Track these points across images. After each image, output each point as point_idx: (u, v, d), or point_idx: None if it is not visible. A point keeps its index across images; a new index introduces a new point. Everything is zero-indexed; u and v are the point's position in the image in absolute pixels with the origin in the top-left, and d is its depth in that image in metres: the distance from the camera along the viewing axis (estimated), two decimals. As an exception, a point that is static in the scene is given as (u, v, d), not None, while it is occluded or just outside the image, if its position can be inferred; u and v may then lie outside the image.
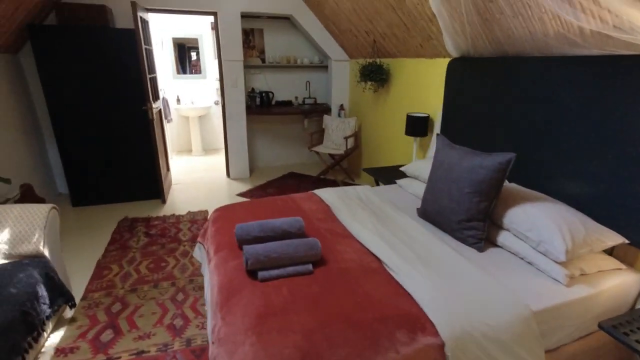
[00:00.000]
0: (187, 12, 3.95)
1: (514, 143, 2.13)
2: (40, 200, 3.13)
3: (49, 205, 2.15)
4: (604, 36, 1.58)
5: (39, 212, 2.05)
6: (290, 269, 1.54)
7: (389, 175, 3.14)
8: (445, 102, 2.70)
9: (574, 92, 1.79)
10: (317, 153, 4.41)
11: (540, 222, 1.62)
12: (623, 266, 1.63)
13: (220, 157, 5.54)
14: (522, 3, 1.81)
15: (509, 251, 1.76)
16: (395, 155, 3.62)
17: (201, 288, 2.37)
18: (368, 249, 1.74)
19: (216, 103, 5.74)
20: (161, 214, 3.53)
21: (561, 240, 1.51)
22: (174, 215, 3.49)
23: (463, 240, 1.85)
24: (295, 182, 4.41)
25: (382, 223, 2.01)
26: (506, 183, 2.07)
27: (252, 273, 1.55)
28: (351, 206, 2.23)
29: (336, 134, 4.34)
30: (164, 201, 3.80)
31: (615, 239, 1.57)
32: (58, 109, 3.35)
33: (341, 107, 4.68)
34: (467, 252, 1.76)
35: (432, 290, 1.40)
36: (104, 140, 3.56)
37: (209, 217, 2.33)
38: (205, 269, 1.96)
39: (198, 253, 2.28)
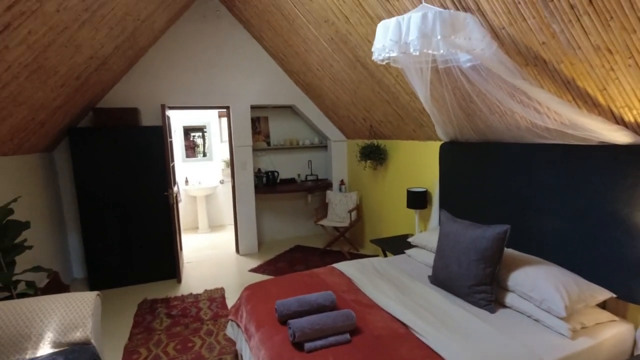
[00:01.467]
0: (204, 108, 4.49)
1: (503, 214, 2.48)
2: (65, 287, 3.25)
3: (94, 293, 2.32)
4: (562, 132, 2.02)
5: (86, 300, 2.22)
6: (332, 339, 1.74)
7: (395, 245, 3.42)
8: (441, 179, 3.11)
9: (547, 171, 2.20)
10: (323, 226, 4.70)
11: (539, 282, 1.90)
12: (616, 318, 1.89)
13: (226, 234, 5.76)
14: (497, 105, 2.29)
15: (517, 311, 2.00)
16: (397, 225, 3.94)
17: (232, 366, 2.46)
18: (395, 317, 1.96)
19: (221, 182, 6.11)
20: (179, 293, 3.64)
21: (559, 297, 1.78)
22: (191, 294, 3.61)
23: (475, 303, 2.09)
24: (302, 255, 4.62)
25: (401, 292, 2.25)
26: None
27: (297, 345, 1.74)
28: (370, 277, 2.47)
29: (339, 208, 4.68)
30: (179, 281, 3.93)
31: (605, 294, 1.85)
32: (86, 200, 3.63)
33: (342, 182, 5.09)
34: (481, 314, 1.99)
35: (460, 350, 1.62)
36: (123, 225, 3.79)
37: (240, 295, 2.51)
38: (244, 345, 2.11)
39: (231, 331, 2.43)
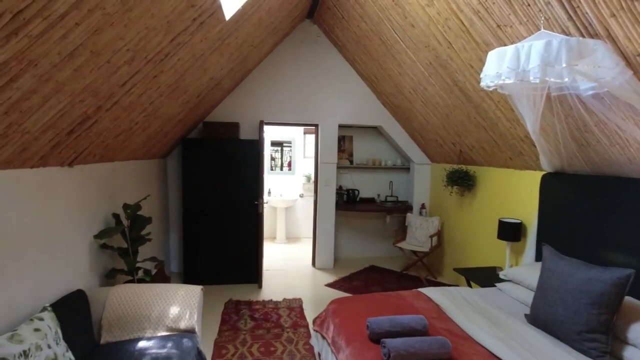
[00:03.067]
0: (296, 125, 4.79)
1: (616, 257, 2.22)
2: (167, 278, 3.65)
3: (199, 287, 2.59)
4: None
5: (195, 293, 2.48)
6: (425, 365, 1.72)
7: (481, 276, 3.24)
8: (540, 211, 2.90)
9: (684, 214, 1.94)
10: (401, 249, 4.63)
11: (672, 340, 1.67)
12: None
13: (302, 246, 5.96)
14: (619, 136, 2.11)
15: (640, 368, 1.77)
16: (483, 256, 3.73)
17: (313, 376, 2.53)
18: (491, 352, 1.86)
19: (301, 196, 6.38)
20: (260, 298, 3.85)
21: (701, 362, 1.55)
22: (271, 300, 3.79)
23: (585, 352, 1.89)
24: (378, 276, 4.58)
25: (497, 327, 2.13)
26: (622, 296, 2.12)
27: (390, 365, 1.74)
28: (460, 307, 2.38)
29: (419, 232, 4.58)
30: (260, 286, 4.16)
31: None
32: (190, 202, 4.07)
33: (422, 206, 4.99)
34: (594, 365, 1.80)
35: (573, 400, 1.48)
36: (217, 228, 4.15)
37: (326, 307, 2.59)
38: (330, 357, 2.16)
39: (315, 341, 2.51)
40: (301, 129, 6.32)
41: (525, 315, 2.32)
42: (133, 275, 2.80)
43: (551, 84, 1.97)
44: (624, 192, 2.26)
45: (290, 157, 6.45)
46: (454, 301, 2.47)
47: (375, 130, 5.31)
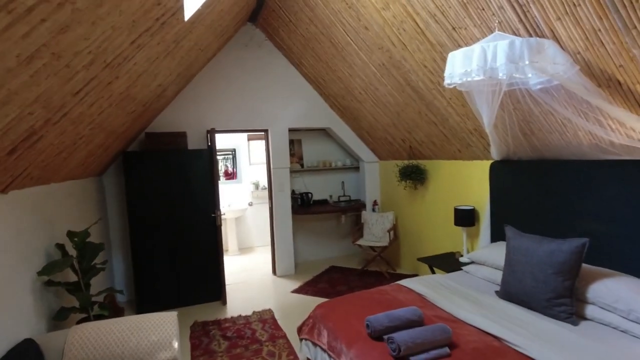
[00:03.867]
0: (244, 131, 4.62)
1: (564, 229, 2.54)
2: (120, 310, 3.25)
3: (174, 313, 2.35)
4: (631, 147, 2.13)
5: (171, 320, 2.25)
6: (433, 353, 1.78)
7: (442, 262, 3.47)
8: (491, 197, 3.20)
9: (614, 187, 2.29)
10: (360, 246, 4.74)
11: (624, 293, 1.96)
12: (703, 328, 1.93)
13: (256, 255, 5.78)
14: (558, 124, 2.42)
15: (601, 322, 2.03)
16: (441, 244, 3.99)
17: (306, 386, 2.46)
18: (483, 330, 2.00)
19: (250, 204, 6.18)
20: (227, 315, 3.64)
21: (650, 308, 1.84)
22: (240, 316, 3.60)
23: (555, 316, 2.13)
24: (341, 276, 4.63)
25: (477, 305, 2.29)
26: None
27: (399, 359, 1.77)
28: (441, 293, 2.52)
29: (376, 228, 4.74)
30: (224, 302, 3.93)
31: (691, 304, 1.91)
32: (136, 222, 3.68)
33: (375, 203, 5.17)
34: (565, 326, 2.03)
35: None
36: (171, 247, 3.82)
37: (311, 313, 2.53)
38: (329, 363, 2.12)
39: (307, 350, 2.44)
40: (245, 135, 6.13)
41: (496, 291, 2.54)
42: (88, 312, 2.44)
43: (503, 80, 2.19)
44: (563, 172, 2.60)
45: (227, 165, 6.19)
46: (433, 288, 2.60)
47: (324, 132, 5.37)
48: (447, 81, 2.13)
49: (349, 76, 3.90)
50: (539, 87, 2.17)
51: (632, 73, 1.85)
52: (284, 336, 3.15)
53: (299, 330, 2.62)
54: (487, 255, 2.87)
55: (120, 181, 3.95)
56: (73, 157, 2.47)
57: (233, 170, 6.20)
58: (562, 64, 1.87)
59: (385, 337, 1.89)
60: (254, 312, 3.67)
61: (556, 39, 1.97)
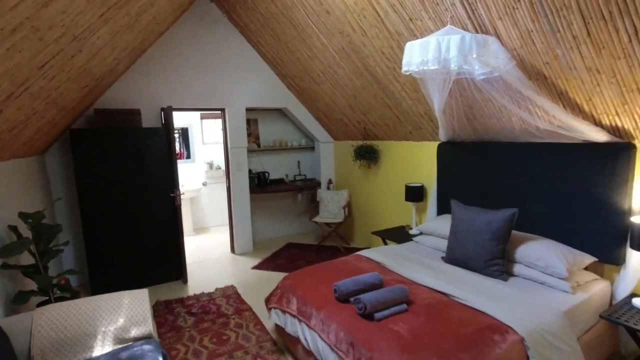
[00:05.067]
0: (201, 110, 4.53)
1: (501, 202, 2.96)
2: (76, 293, 3.15)
3: (145, 290, 2.38)
4: (552, 131, 2.54)
5: (143, 296, 2.28)
6: (394, 309, 2.05)
7: (394, 235, 3.81)
8: (438, 175, 3.56)
9: (538, 165, 2.71)
10: (316, 222, 4.96)
11: (543, 253, 2.38)
12: (598, 276, 2.43)
13: (213, 235, 5.77)
14: (496, 110, 2.77)
15: (525, 277, 2.46)
16: (392, 218, 4.34)
17: (275, 351, 2.64)
18: (434, 289, 2.32)
19: (204, 184, 6.09)
20: (190, 293, 3.68)
21: (561, 263, 2.27)
22: (203, 293, 3.67)
23: (490, 275, 2.52)
24: (299, 251, 4.84)
25: (429, 269, 2.62)
26: (504, 230, 2.84)
27: (366, 316, 2.01)
28: (396, 260, 2.82)
29: (332, 205, 4.98)
30: (185, 281, 3.95)
31: (590, 258, 2.38)
32: (89, 202, 3.52)
33: (330, 182, 5.40)
34: (498, 282, 2.42)
35: (498, 307, 2.01)
36: (127, 229, 3.72)
37: (280, 284, 2.70)
38: (300, 327, 2.32)
39: (276, 317, 2.62)
40: (197, 113, 5.96)
41: (442, 257, 2.90)
42: (49, 294, 2.37)
43: (453, 70, 2.45)
44: (500, 153, 2.99)
45: (179, 144, 6.01)
46: (389, 257, 2.89)
47: (280, 113, 5.42)
48: (404, 68, 2.33)
49: (308, 58, 3.99)
50: (482, 77, 2.47)
51: (555, 69, 2.20)
52: (249, 309, 3.29)
53: (267, 300, 2.79)
54: (435, 226, 3.22)
55: (66, 160, 3.72)
56: (23, 134, 2.33)
57: (181, 150, 6.00)
58: (502, 59, 2.16)
59: (352, 299, 2.12)
60: (216, 289, 3.75)
61: (498, 36, 2.26)
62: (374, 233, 3.96)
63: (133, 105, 3.89)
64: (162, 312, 3.30)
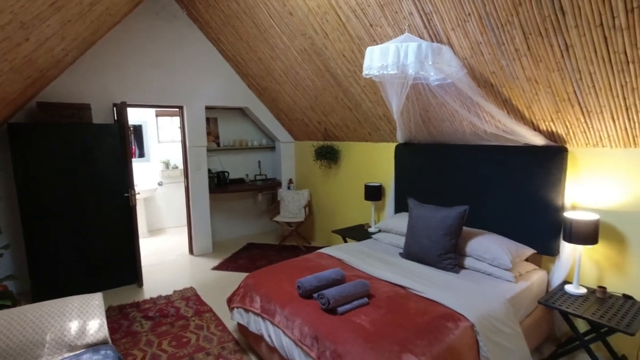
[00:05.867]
0: (158, 107, 4.37)
1: (453, 200, 3.17)
2: (17, 300, 2.91)
3: (98, 294, 2.26)
4: (498, 135, 2.76)
5: (96, 301, 2.17)
6: (355, 303, 2.13)
7: (354, 233, 3.92)
8: (396, 174, 3.72)
9: (486, 166, 2.94)
10: (277, 222, 4.97)
11: (490, 246, 2.59)
12: (536, 267, 2.69)
13: (169, 237, 5.57)
14: (449, 114, 2.96)
15: (474, 270, 2.65)
16: (351, 217, 4.46)
17: (238, 351, 2.63)
18: (393, 283, 2.43)
19: (160, 184, 5.86)
20: (146, 297, 3.54)
21: (506, 255, 2.48)
22: (161, 296, 3.54)
23: (444, 268, 2.69)
24: (260, 251, 4.81)
25: (388, 264, 2.74)
26: (455, 226, 3.04)
27: (330, 311, 2.07)
28: (357, 257, 2.91)
29: (292, 205, 5.01)
30: (140, 285, 3.79)
31: (530, 250, 2.63)
32: (32, 203, 3.27)
33: (290, 181, 5.43)
34: (451, 275, 2.59)
35: (451, 297, 2.16)
36: (74, 231, 3.50)
37: (242, 284, 2.69)
38: (267, 325, 2.33)
39: (239, 317, 2.61)
40: (152, 111, 5.73)
41: (400, 253, 3.04)
42: (-13, 302, 2.18)
43: (411, 75, 2.60)
44: (452, 154, 3.20)
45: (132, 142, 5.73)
46: (350, 254, 2.99)
47: (240, 112, 5.36)
48: (365, 72, 2.43)
49: (270, 58, 3.99)
50: (436, 83, 2.63)
51: (501, 78, 2.41)
52: (210, 310, 3.23)
53: (229, 300, 2.76)
54: (393, 224, 3.37)
55: (4, 157, 3.42)
56: (-43, 128, 2.13)
57: (133, 148, 5.72)
58: (454, 67, 2.33)
59: (316, 294, 2.17)
60: (174, 292, 3.63)
61: (451, 45, 2.42)
62: (335, 231, 4.05)
63: (82, 99, 3.67)
64: (115, 317, 3.15)
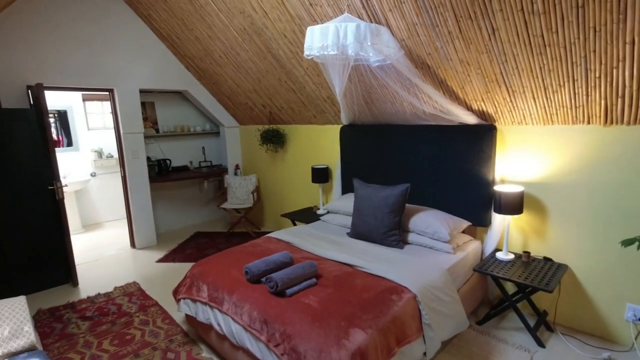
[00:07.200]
0: (82, 89, 3.97)
1: (397, 179, 3.29)
2: None
3: (22, 297, 2.06)
4: (436, 115, 2.89)
5: (20, 305, 1.97)
6: (304, 284, 2.15)
7: (303, 216, 3.94)
8: (342, 156, 3.76)
9: (426, 145, 3.07)
10: (225, 209, 4.84)
11: (431, 221, 2.74)
12: (472, 238, 2.90)
13: (107, 231, 5.20)
14: (391, 95, 3.04)
15: (417, 244, 2.79)
16: (300, 200, 4.47)
17: (187, 342, 2.55)
18: (340, 262, 2.49)
19: (93, 175, 5.41)
20: (82, 296, 3.29)
21: (445, 229, 2.64)
22: (100, 294, 3.31)
23: (389, 244, 2.80)
24: (208, 240, 4.67)
25: (335, 245, 2.80)
26: (399, 204, 3.17)
27: (278, 293, 2.07)
28: (305, 239, 2.93)
29: (240, 191, 4.90)
30: (75, 284, 3.51)
31: (466, 223, 2.82)
32: None
33: (237, 167, 5.28)
34: (396, 250, 2.71)
35: (395, 272, 2.26)
36: (-9, 230, 3.13)
37: (188, 273, 2.59)
38: (215, 313, 2.28)
39: (186, 308, 2.52)
40: (79, 94, 5.21)
41: (347, 233, 3.11)
42: None
43: (351, 56, 2.61)
44: (394, 134, 3.29)
45: (57, 130, 5.21)
46: (298, 236, 3.00)
47: (180, 96, 5.07)
48: (306, 52, 2.39)
49: (208, 37, 3.78)
50: (377, 64, 2.66)
51: (436, 60, 2.50)
52: (156, 304, 3.09)
53: (175, 292, 2.66)
54: (340, 205, 3.43)
55: None
56: None
57: (59, 136, 5.19)
58: (393, 48, 2.37)
59: (264, 278, 2.16)
60: (115, 288, 3.42)
61: (389, 26, 2.46)
62: (283, 215, 4.03)
63: (-11, 82, 3.23)
64: (46, 321, 2.90)
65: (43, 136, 3.25)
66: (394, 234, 2.79)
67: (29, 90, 3.45)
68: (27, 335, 1.89)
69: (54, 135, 5.19)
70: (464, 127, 2.84)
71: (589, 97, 2.16)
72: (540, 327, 2.55)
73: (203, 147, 5.32)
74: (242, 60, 3.81)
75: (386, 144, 3.36)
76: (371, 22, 2.49)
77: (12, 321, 1.89)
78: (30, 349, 1.88)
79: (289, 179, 4.63)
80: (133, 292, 3.34)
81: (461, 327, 2.34)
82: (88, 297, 3.26)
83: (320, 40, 2.26)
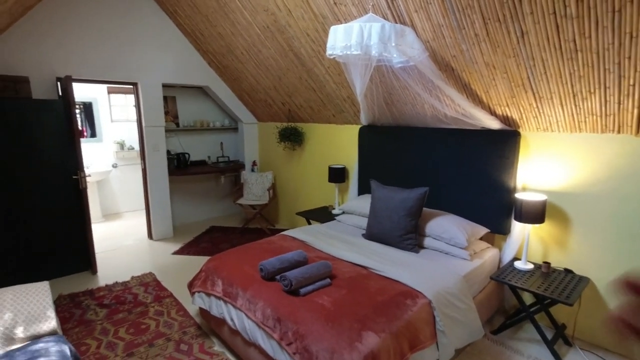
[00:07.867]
0: (107, 82, 4.07)
1: (414, 182, 3.25)
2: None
3: (45, 282, 2.12)
4: (457, 119, 2.84)
5: (43, 290, 2.03)
6: (318, 284, 2.15)
7: (318, 215, 3.94)
8: (359, 156, 3.74)
9: (445, 149, 3.02)
10: (241, 205, 4.88)
11: (448, 227, 2.69)
12: (489, 245, 2.84)
13: (125, 222, 5.32)
14: (411, 97, 3.00)
15: (433, 249, 2.76)
16: (315, 199, 4.47)
17: (200, 335, 2.59)
18: (355, 263, 2.47)
19: (114, 166, 5.55)
20: (101, 284, 3.38)
21: (462, 235, 2.60)
22: (117, 282, 3.40)
23: (404, 248, 2.77)
24: (222, 235, 4.73)
25: (350, 245, 2.78)
26: (416, 207, 3.13)
27: (292, 292, 2.08)
28: (320, 238, 2.93)
29: (256, 187, 4.93)
30: (94, 272, 3.60)
31: (484, 230, 2.76)
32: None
33: (254, 163, 5.32)
34: (411, 254, 2.68)
35: (410, 276, 2.24)
36: (12, 217, 3.22)
37: (204, 267, 2.63)
38: (226, 308, 2.31)
39: (200, 301, 2.56)
40: (104, 87, 5.34)
41: (362, 234, 3.09)
42: None
43: (374, 56, 2.58)
44: (413, 137, 3.25)
45: (82, 121, 5.34)
46: (313, 235, 3.00)
47: (201, 91, 5.13)
48: (329, 52, 2.38)
49: (231, 34, 3.82)
50: (399, 65, 2.63)
51: (461, 62, 2.45)
52: (171, 295, 3.15)
53: (190, 284, 2.70)
54: (356, 205, 3.41)
55: None
56: None
57: (84, 127, 5.32)
58: (417, 49, 2.34)
59: (278, 276, 2.17)
60: (132, 277, 3.50)
61: (414, 27, 2.42)
62: (298, 214, 4.04)
63: (18, 71, 3.33)
64: (67, 306, 2.99)
65: (69, 127, 3.35)
66: (409, 237, 2.76)
67: (58, 82, 3.56)
68: (50, 319, 1.95)
69: (79, 126, 5.34)
70: (486, 132, 2.78)
71: (621, 105, 2.08)
72: (558, 340, 2.48)
73: (221, 143, 5.38)
74: (264, 57, 3.83)
75: (405, 146, 3.32)
76: (396, 22, 2.46)
77: (36, 305, 1.95)
78: (52, 334, 1.95)
79: (305, 178, 4.63)
80: (149, 282, 3.41)
81: (476, 336, 2.30)
82: (106, 285, 3.34)
83: (343, 39, 2.25)
